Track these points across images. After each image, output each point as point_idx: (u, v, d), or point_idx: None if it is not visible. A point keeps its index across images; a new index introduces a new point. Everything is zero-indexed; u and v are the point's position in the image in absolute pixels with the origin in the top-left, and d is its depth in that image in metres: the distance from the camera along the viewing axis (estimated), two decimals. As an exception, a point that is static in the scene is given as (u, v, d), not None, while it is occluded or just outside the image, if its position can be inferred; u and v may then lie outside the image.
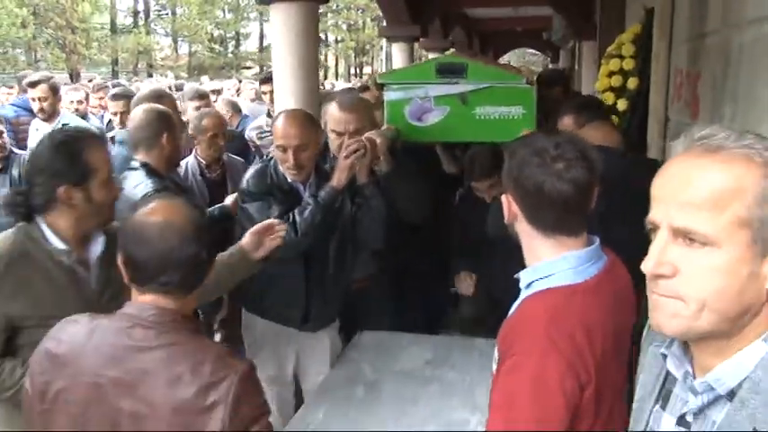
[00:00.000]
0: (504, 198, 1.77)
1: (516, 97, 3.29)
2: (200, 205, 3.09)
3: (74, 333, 1.72)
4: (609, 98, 4.38)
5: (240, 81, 11.21)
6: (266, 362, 3.09)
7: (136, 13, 34.69)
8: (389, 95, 3.43)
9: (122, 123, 4.95)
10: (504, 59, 29.81)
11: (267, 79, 5.61)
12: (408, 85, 3.38)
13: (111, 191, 2.30)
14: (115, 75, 28.62)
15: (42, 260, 2.18)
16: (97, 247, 2.30)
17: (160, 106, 3.37)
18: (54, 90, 5.42)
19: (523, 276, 1.74)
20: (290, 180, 3.07)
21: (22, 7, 25.10)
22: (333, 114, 3.27)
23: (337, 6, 34.02)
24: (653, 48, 4.14)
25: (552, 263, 1.71)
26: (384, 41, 18.67)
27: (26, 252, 2.16)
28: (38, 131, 5.23)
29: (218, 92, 7.99)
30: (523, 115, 3.27)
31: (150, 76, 29.53)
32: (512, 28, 18.51)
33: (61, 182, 2.15)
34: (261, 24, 40.03)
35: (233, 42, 39.25)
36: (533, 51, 27.62)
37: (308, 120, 3.08)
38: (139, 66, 33.49)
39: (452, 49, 16.79)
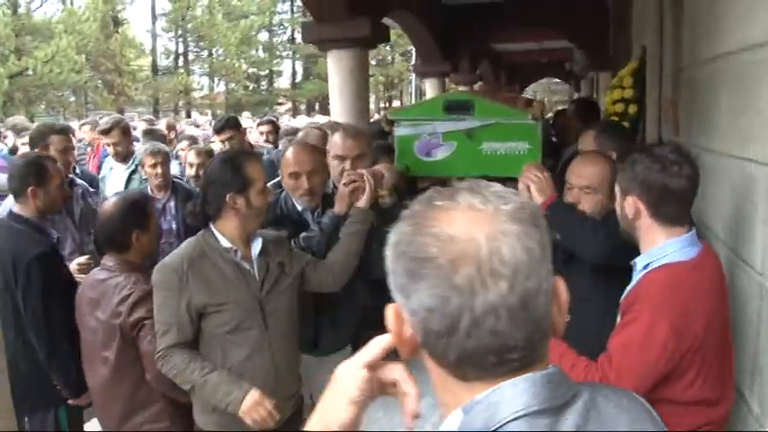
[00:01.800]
0: (628, 199, 2.12)
1: (522, 133, 3.34)
2: (141, 195, 3.40)
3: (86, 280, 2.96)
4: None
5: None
6: None
7: (177, 56, 36.20)
8: (399, 131, 3.51)
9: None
10: (529, 89, 30.59)
11: (221, 128, 5.73)
12: (417, 122, 3.46)
13: (266, 197, 2.72)
14: (156, 113, 30.05)
15: (215, 258, 2.61)
16: (257, 245, 2.69)
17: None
18: (125, 132, 5.52)
19: (639, 261, 2.12)
20: (299, 209, 3.23)
21: (79, 54, 26.71)
22: (336, 141, 3.36)
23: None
24: (647, 79, 5.00)
25: (664, 246, 2.07)
26: (413, 75, 19.52)
27: (203, 252, 2.61)
28: (112, 170, 5.50)
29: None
30: (529, 150, 3.34)
31: (189, 114, 30.89)
32: (536, 60, 19.10)
33: (228, 190, 2.58)
34: (293, 62, 41.42)
35: (266, 80, 40.55)
36: (558, 81, 28.23)
37: (316, 148, 3.33)
38: (180, 104, 34.99)
39: (480, 83, 17.68)
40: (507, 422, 0.87)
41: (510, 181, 2.91)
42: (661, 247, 2.07)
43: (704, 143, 3.12)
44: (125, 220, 2.82)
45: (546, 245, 0.91)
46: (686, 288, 1.98)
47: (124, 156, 5.43)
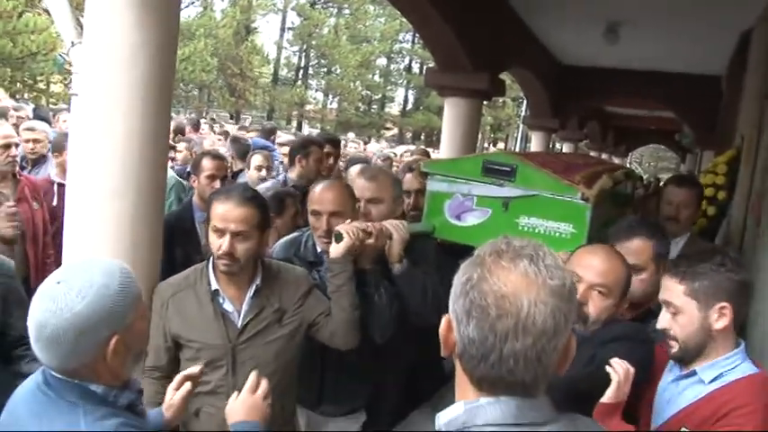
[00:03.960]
0: (718, 308, 2.00)
1: (567, 213, 2.89)
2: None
3: None
4: (702, 205, 5.50)
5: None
6: None
7: (297, 69, 37.84)
8: (432, 185, 3.17)
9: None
10: (636, 152, 30.27)
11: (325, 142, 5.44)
12: (453, 179, 3.10)
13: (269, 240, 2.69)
14: (270, 120, 31.52)
15: (201, 295, 2.54)
16: (252, 288, 2.56)
17: None
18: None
19: (710, 372, 2.03)
20: (319, 250, 2.97)
21: (212, 56, 28.50)
22: (354, 181, 3.24)
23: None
24: (741, 168, 5.29)
25: (733, 355, 2.03)
26: (520, 121, 19.83)
27: (193, 284, 2.56)
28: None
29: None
30: (573, 235, 2.87)
31: (300, 126, 32.19)
32: (645, 126, 19.02)
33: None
34: (406, 90, 42.32)
35: (378, 104, 41.60)
36: (665, 147, 27.91)
37: (344, 189, 2.99)
38: (293, 115, 36.45)
39: (586, 140, 17.83)
40: (478, 426, 1.17)
41: None
42: (730, 359, 2.04)
43: (775, 238, 3.46)
44: None
45: (570, 317, 1.18)
46: None
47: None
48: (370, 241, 2.75)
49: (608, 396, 1.96)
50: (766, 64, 4.98)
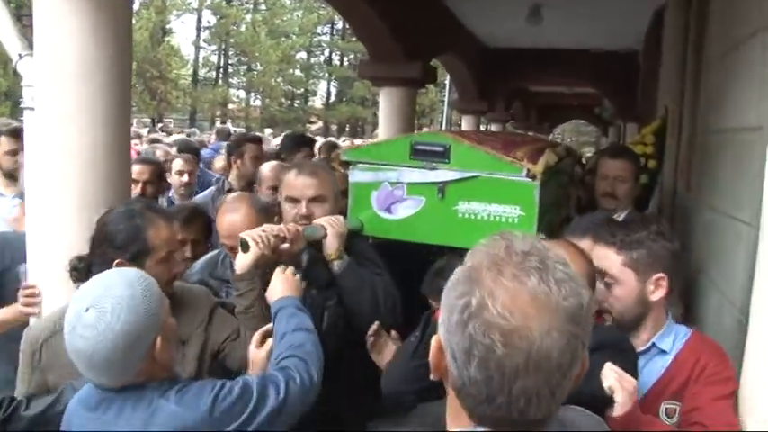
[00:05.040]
0: (655, 280, 1.98)
1: (512, 193, 2.56)
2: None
3: None
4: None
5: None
6: None
7: (218, 68, 37.28)
8: (355, 176, 2.79)
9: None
10: (558, 129, 31.04)
11: (296, 147, 5.19)
12: (378, 166, 2.73)
13: (170, 269, 2.21)
14: (193, 122, 31.05)
15: None
16: None
17: None
18: None
19: (667, 341, 2.02)
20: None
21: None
22: (289, 180, 2.67)
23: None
24: (667, 138, 5.57)
25: (671, 324, 2.06)
26: (445, 105, 20.08)
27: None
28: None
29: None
30: (521, 218, 2.55)
31: (223, 123, 31.77)
32: (567, 102, 19.42)
33: (118, 255, 2.10)
34: (328, 83, 42.23)
35: (301, 98, 41.26)
36: (585, 122, 28.72)
37: (251, 207, 2.63)
38: (216, 115, 35.91)
39: (512, 121, 18.21)
40: None
41: None
42: (671, 326, 2.06)
43: (709, 201, 3.66)
44: None
45: (586, 340, 0.99)
46: None
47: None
48: (285, 246, 2.39)
49: (622, 404, 1.68)
50: (683, 42, 5.24)
